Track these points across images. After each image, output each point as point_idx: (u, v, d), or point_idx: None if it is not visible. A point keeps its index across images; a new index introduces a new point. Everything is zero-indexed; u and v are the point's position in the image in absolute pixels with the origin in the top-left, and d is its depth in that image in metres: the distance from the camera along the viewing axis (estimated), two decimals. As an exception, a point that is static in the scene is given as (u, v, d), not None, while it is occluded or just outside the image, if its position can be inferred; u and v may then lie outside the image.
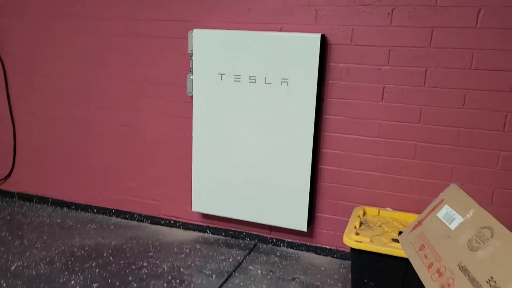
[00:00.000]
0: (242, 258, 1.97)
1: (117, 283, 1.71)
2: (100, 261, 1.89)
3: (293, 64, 1.84)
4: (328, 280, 1.82)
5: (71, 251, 1.97)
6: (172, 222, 2.29)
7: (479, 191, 1.76)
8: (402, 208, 1.87)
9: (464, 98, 1.72)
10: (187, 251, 2.03)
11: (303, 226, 1.96)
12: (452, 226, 1.16)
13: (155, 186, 2.28)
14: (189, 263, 1.91)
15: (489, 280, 0.94)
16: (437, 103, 1.76)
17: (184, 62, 2.09)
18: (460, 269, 1.03)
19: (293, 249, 2.09)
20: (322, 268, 1.92)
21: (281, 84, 1.88)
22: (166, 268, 1.85)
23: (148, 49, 2.14)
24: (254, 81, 1.91)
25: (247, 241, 2.15)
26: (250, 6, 1.94)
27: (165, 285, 1.72)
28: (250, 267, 1.90)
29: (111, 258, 1.91)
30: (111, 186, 2.36)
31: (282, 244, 2.10)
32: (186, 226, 2.26)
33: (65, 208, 2.48)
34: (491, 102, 1.69)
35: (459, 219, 1.15)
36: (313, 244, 2.05)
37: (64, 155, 2.42)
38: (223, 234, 2.20)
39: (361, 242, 1.56)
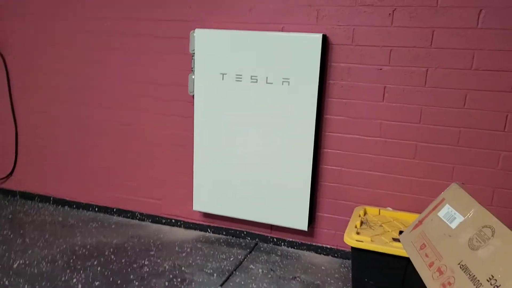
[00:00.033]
0: (243, 257, 1.98)
1: (118, 282, 1.72)
2: (102, 259, 1.89)
3: (295, 64, 1.84)
4: (329, 279, 1.83)
5: (72, 250, 1.97)
6: (173, 221, 2.29)
7: (480, 191, 1.76)
8: (403, 208, 1.88)
9: (465, 98, 1.73)
10: (188, 250, 2.03)
11: (303, 226, 1.96)
12: (453, 225, 1.16)
13: (156, 185, 2.28)
14: (190, 262, 1.92)
15: (489, 278, 0.95)
16: (437, 103, 1.76)
17: (185, 62, 2.09)
18: (461, 268, 1.04)
19: (294, 248, 2.09)
20: (322, 267, 1.93)
21: (282, 84, 1.89)
22: (167, 267, 1.85)
23: (150, 49, 2.14)
24: (255, 80, 1.92)
25: (248, 240, 2.16)
26: (251, 6, 1.94)
27: (167, 283, 1.72)
28: (251, 266, 1.91)
29: (112, 257, 1.92)
30: (112, 185, 2.37)
31: (282, 243, 2.11)
32: (187, 225, 2.27)
33: (66, 207, 2.49)
34: (492, 102, 1.69)
35: (460, 218, 1.16)
36: (314, 244, 2.06)
37: (65, 154, 2.43)
38: (224, 233, 2.21)
39: (361, 241, 1.57)
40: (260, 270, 1.87)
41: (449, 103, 1.75)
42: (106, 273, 1.78)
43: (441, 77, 1.74)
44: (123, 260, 1.89)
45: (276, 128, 1.93)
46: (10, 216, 2.33)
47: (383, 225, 1.74)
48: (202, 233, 2.23)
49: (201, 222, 2.24)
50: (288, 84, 1.87)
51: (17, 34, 2.38)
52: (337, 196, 1.98)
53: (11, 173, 2.57)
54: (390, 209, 1.89)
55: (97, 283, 1.70)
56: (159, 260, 1.91)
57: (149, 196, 2.31)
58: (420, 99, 1.78)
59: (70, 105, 2.36)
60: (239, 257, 1.98)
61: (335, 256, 2.03)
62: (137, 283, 1.72)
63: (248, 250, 2.05)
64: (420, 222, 1.33)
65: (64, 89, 2.36)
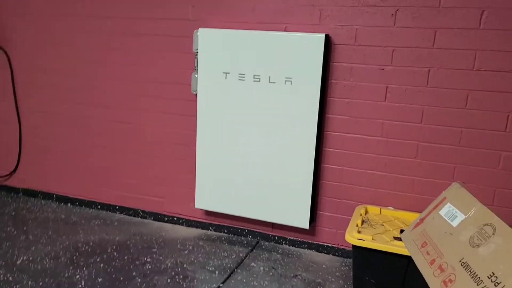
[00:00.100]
0: (244, 255, 1.99)
1: (121, 278, 1.73)
2: (105, 256, 1.91)
3: (297, 64, 1.86)
4: (330, 277, 1.84)
5: (75, 247, 1.99)
6: (175, 219, 2.31)
7: (481, 190, 1.77)
8: (404, 207, 1.89)
9: (467, 98, 1.74)
10: (190, 247, 2.05)
11: (305, 224, 1.97)
12: (454, 224, 1.18)
13: (159, 183, 2.30)
14: (192, 259, 1.93)
15: (490, 275, 0.96)
16: (439, 103, 1.77)
17: (188, 61, 2.11)
18: (462, 265, 1.05)
19: (295, 246, 2.11)
20: (323, 265, 1.94)
21: (285, 83, 1.90)
22: (169, 264, 1.87)
23: (153, 48, 2.16)
24: (258, 80, 1.93)
25: (249, 239, 2.17)
26: (254, 6, 1.96)
27: (169, 280, 1.74)
28: (253, 264, 1.92)
29: (115, 254, 1.93)
30: (115, 183, 2.38)
31: (284, 242, 2.12)
32: (189, 223, 2.28)
33: (69, 204, 2.50)
34: (493, 102, 1.70)
35: (461, 217, 1.17)
36: (315, 242, 2.07)
37: (68, 152, 2.45)
38: (225, 231, 2.22)
39: (363, 240, 1.58)
40: (261, 268, 1.88)
41: (451, 103, 1.76)
42: (108, 270, 1.79)
43: (443, 78, 1.75)
44: (125, 257, 1.90)
45: (279, 127, 1.94)
46: (13, 213, 2.35)
47: (384, 224, 1.75)
48: (204, 231, 2.24)
49: (203, 220, 2.26)
50: (291, 84, 1.89)
51: (20, 33, 2.40)
52: (338, 195, 1.99)
53: (14, 171, 2.59)
54: (391, 208, 1.90)
55: (100, 280, 1.71)
56: (161, 258, 1.92)
57: (151, 194, 2.33)
58: (422, 99, 1.79)
59: (73, 104, 2.38)
60: (241, 255, 2.00)
61: (336, 255, 2.04)
62: (139, 280, 1.73)
63: (249, 248, 2.06)
64: (422, 220, 1.34)
65: (67, 88, 2.37)
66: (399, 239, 1.55)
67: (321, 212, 2.03)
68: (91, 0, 2.22)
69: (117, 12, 2.18)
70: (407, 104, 1.82)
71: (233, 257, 1.97)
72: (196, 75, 2.06)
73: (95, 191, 2.44)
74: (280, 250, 2.07)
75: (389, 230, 1.68)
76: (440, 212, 1.27)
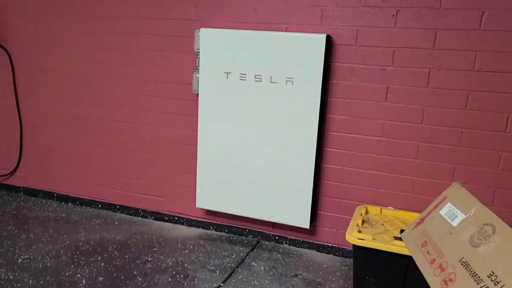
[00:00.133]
0: (245, 255, 2.00)
1: (122, 277, 1.74)
2: (105, 255, 1.91)
3: (298, 64, 1.86)
4: (330, 277, 1.85)
5: (76, 245, 1.99)
6: (175, 218, 2.31)
7: (481, 191, 1.78)
8: (404, 207, 1.90)
9: (467, 99, 1.74)
10: (191, 247, 2.05)
11: (305, 224, 1.98)
12: (454, 223, 1.18)
13: (160, 183, 2.30)
14: (193, 258, 1.93)
15: (490, 275, 0.96)
16: (440, 104, 1.78)
17: (190, 61, 2.11)
18: (462, 264, 1.06)
19: (296, 246, 2.11)
20: (324, 265, 1.95)
21: (286, 83, 1.90)
22: (170, 263, 1.87)
23: (154, 48, 2.16)
24: (259, 80, 1.94)
25: (250, 238, 2.18)
26: (255, 6, 1.96)
27: (170, 279, 1.74)
28: (253, 263, 1.93)
29: (116, 253, 1.94)
30: (115, 182, 2.39)
31: (284, 241, 2.13)
32: (190, 223, 2.29)
33: (70, 203, 2.51)
34: (493, 103, 1.71)
35: (461, 216, 1.18)
36: (315, 242, 2.07)
37: (69, 152, 2.45)
38: (226, 230, 2.23)
39: (363, 239, 1.58)
40: (262, 268, 1.89)
41: (451, 103, 1.77)
42: (109, 269, 1.80)
43: (444, 78, 1.76)
44: (126, 256, 1.91)
45: (279, 127, 1.95)
46: (14, 212, 2.35)
47: (384, 224, 1.76)
48: (204, 230, 2.25)
49: (203, 220, 2.26)
50: (292, 84, 1.89)
51: (21, 32, 2.40)
52: (339, 195, 1.99)
53: (15, 170, 2.59)
54: (392, 208, 1.90)
55: (100, 279, 1.72)
56: (162, 257, 1.93)
57: (152, 193, 2.33)
58: (422, 100, 1.80)
59: (74, 103, 2.38)
60: (241, 254, 2.00)
61: (336, 255, 2.04)
62: (140, 279, 1.73)
63: (250, 248, 2.07)
64: (422, 220, 1.34)
65: (68, 88, 2.38)
66: (400, 239, 1.56)
67: (322, 212, 2.04)
68: (92, 0, 2.22)
69: (118, 12, 2.19)
70: (408, 105, 1.82)
71: (233, 256, 1.98)
72: (198, 75, 2.06)
73: (96, 190, 2.44)
74: (281, 249, 2.08)
75: (390, 230, 1.69)
76: (440, 212, 1.27)
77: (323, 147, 1.98)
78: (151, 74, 2.20)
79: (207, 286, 1.71)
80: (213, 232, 2.24)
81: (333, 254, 2.05)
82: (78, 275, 1.73)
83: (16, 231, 2.11)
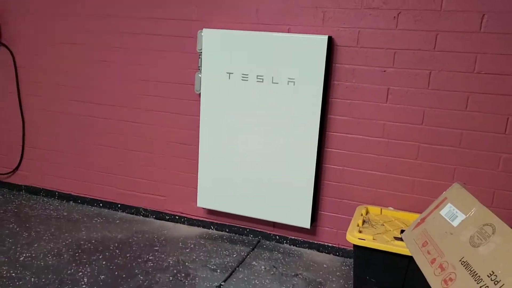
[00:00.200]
0: (246, 254, 2.01)
1: (123, 276, 1.74)
2: (107, 254, 1.92)
3: (300, 65, 1.87)
4: (330, 277, 1.86)
5: (78, 244, 2.00)
6: (177, 217, 2.32)
7: (480, 192, 1.79)
8: (404, 208, 1.91)
9: (467, 101, 1.76)
10: (192, 246, 2.06)
11: (306, 224, 1.99)
12: (455, 223, 1.19)
13: (161, 182, 2.31)
14: (194, 257, 1.94)
15: (490, 274, 0.98)
16: (440, 105, 1.79)
17: (192, 61, 2.12)
18: (462, 264, 1.07)
19: (296, 246, 2.12)
20: (324, 265, 1.96)
21: (287, 84, 1.92)
22: (171, 262, 1.88)
23: (156, 48, 2.17)
24: (261, 80, 1.95)
25: (250, 238, 2.19)
26: (258, 7, 1.98)
27: (171, 278, 1.75)
28: (254, 262, 1.94)
29: (117, 251, 1.95)
30: (117, 181, 2.40)
31: (285, 241, 2.14)
32: (191, 222, 2.30)
33: (71, 202, 2.52)
34: (493, 105, 1.73)
35: (461, 217, 1.19)
36: (316, 242, 2.09)
37: (71, 150, 2.46)
38: (227, 230, 2.24)
39: (364, 239, 1.59)
40: (262, 267, 1.90)
41: (452, 105, 1.78)
42: (111, 267, 1.80)
43: (444, 80, 1.77)
44: (127, 255, 1.92)
45: (281, 127, 1.96)
46: (16, 210, 2.36)
47: (384, 224, 1.77)
48: (205, 230, 2.26)
49: (204, 219, 2.27)
50: (294, 84, 1.90)
51: (24, 32, 2.41)
52: (339, 195, 2.01)
53: (17, 168, 2.60)
54: (392, 208, 1.91)
55: (102, 277, 1.73)
56: (163, 256, 1.94)
57: (153, 192, 2.34)
58: (423, 101, 1.81)
59: (76, 102, 2.39)
60: (242, 253, 2.01)
61: (336, 255, 2.06)
62: (141, 277, 1.74)
63: (251, 247, 2.08)
64: (423, 220, 1.36)
65: (70, 87, 2.39)
66: (400, 239, 1.57)
67: (322, 212, 2.05)
68: (93, 0, 2.23)
69: (119, 12, 2.20)
70: (408, 106, 1.84)
71: (234, 255, 1.99)
72: (200, 75, 2.08)
73: (97, 189, 2.45)
74: (281, 249, 2.09)
75: (390, 230, 1.70)
76: (440, 212, 1.29)
77: (324, 147, 1.99)
78: (153, 74, 2.21)
79: (208, 285, 1.72)
80: (214, 231, 2.25)
81: (333, 254, 2.06)
82: (80, 273, 1.74)
83: (18, 229, 2.12)
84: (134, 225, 2.27)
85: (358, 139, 1.93)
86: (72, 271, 1.76)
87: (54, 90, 2.42)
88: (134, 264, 1.85)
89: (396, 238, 1.61)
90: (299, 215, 1.99)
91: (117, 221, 2.30)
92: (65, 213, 2.36)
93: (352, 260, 2.00)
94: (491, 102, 1.73)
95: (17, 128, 2.54)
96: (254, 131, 2.01)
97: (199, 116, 2.15)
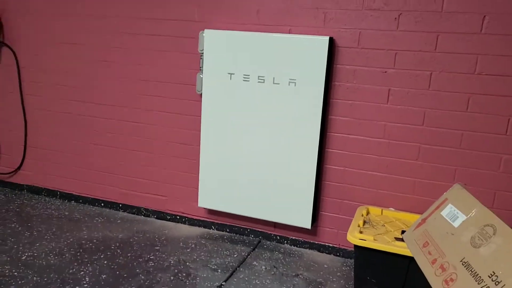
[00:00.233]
0: (246, 254, 2.01)
1: (125, 275, 1.75)
2: (108, 253, 1.93)
3: (301, 66, 1.88)
4: (331, 277, 1.86)
5: (79, 243, 2.01)
6: (177, 217, 2.33)
7: (481, 193, 1.80)
8: (405, 209, 1.91)
9: (468, 102, 1.76)
10: (193, 246, 2.07)
11: (307, 224, 2.00)
12: (456, 224, 1.20)
13: (162, 182, 2.32)
14: (195, 257, 1.95)
15: (491, 275, 0.98)
16: (441, 106, 1.80)
17: (193, 61, 2.13)
18: (463, 264, 1.07)
19: (297, 246, 2.13)
20: (325, 265, 1.96)
21: (289, 85, 1.92)
22: (172, 262, 1.89)
23: (158, 49, 2.18)
24: (262, 81, 1.96)
25: (251, 238, 2.19)
26: (259, 8, 1.98)
27: (172, 278, 1.76)
28: (255, 262, 1.94)
29: (118, 251, 1.95)
30: (118, 181, 2.40)
31: (285, 241, 2.14)
32: (192, 222, 2.30)
33: (73, 202, 2.52)
34: (494, 106, 1.73)
35: (462, 218, 1.19)
36: (317, 242, 2.09)
37: (73, 150, 2.47)
38: (227, 230, 2.24)
39: (364, 240, 1.60)
40: (263, 267, 1.90)
41: (453, 106, 1.78)
42: (112, 267, 1.81)
43: (445, 81, 1.78)
44: (129, 255, 1.92)
45: (282, 128, 1.96)
46: (17, 210, 2.37)
47: (385, 224, 1.77)
48: (206, 229, 2.27)
49: (205, 219, 2.28)
50: (295, 85, 1.91)
51: (26, 32, 2.42)
52: (340, 196, 2.01)
53: (19, 168, 2.61)
54: (393, 209, 1.92)
55: (103, 276, 1.73)
56: (164, 255, 1.94)
57: (154, 192, 2.35)
58: (424, 102, 1.82)
59: (78, 102, 2.40)
60: (243, 253, 2.02)
61: (337, 255, 2.06)
62: (143, 277, 1.75)
63: (251, 247, 2.09)
64: (423, 221, 1.36)
65: (71, 87, 2.39)
66: (400, 239, 1.58)
67: (323, 212, 2.06)
68: (94, 1, 2.24)
69: (121, 12, 2.21)
70: (409, 107, 1.84)
71: (235, 255, 1.99)
72: (201, 76, 2.08)
73: (99, 189, 2.46)
74: (282, 249, 2.09)
75: (390, 231, 1.70)
76: (441, 213, 1.29)
77: (325, 148, 1.99)
78: (155, 75, 2.22)
79: (209, 285, 1.73)
80: (215, 231, 2.25)
81: (334, 255, 2.07)
82: (82, 273, 1.75)
83: (20, 229, 2.13)
84: (135, 224, 2.27)
85: (359, 139, 1.93)
86: (74, 270, 1.77)
87: (54, 90, 2.43)
88: (135, 263, 1.85)
89: (397, 239, 1.61)
90: (300, 216, 2.00)
91: (118, 221, 2.30)
92: (66, 213, 2.37)
93: (352, 260, 2.00)
94: (492, 103, 1.73)
95: (19, 128, 2.55)
96: (255, 131, 2.01)
97: (200, 116, 2.15)
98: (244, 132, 2.03)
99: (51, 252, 1.90)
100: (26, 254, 1.87)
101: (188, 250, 2.02)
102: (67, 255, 1.89)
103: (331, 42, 1.87)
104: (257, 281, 1.78)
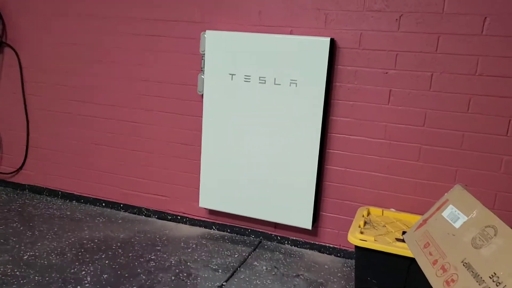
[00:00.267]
0: (247, 254, 2.02)
1: (126, 275, 1.75)
2: (109, 253, 1.93)
3: (302, 66, 1.88)
4: (332, 277, 1.86)
5: (81, 243, 2.01)
6: (178, 217, 2.33)
7: (482, 194, 1.80)
8: (406, 209, 1.92)
9: (469, 103, 1.77)
10: (194, 246, 2.07)
11: (308, 224, 2.00)
12: (457, 225, 1.20)
13: (163, 182, 2.32)
14: (196, 257, 1.95)
15: (492, 276, 0.98)
16: (442, 107, 1.80)
17: (195, 62, 2.14)
18: (464, 265, 1.07)
19: (297, 247, 2.13)
20: (325, 266, 1.97)
21: (290, 85, 1.93)
22: (173, 262, 1.89)
23: (160, 49, 2.19)
24: (263, 81, 1.96)
25: (252, 238, 2.20)
26: (260, 9, 1.99)
27: (173, 278, 1.76)
28: (255, 263, 1.94)
29: (120, 251, 1.96)
30: (119, 181, 2.41)
31: (286, 242, 2.15)
32: (193, 222, 2.31)
33: (74, 202, 2.53)
34: (495, 107, 1.73)
35: (463, 218, 1.20)
36: (317, 243, 2.09)
37: (75, 150, 2.47)
38: (228, 230, 2.25)
39: (365, 240, 1.60)
40: (264, 267, 1.91)
41: (453, 107, 1.79)
42: (113, 266, 1.81)
43: (446, 82, 1.78)
44: (130, 255, 1.93)
45: (283, 128, 1.97)
46: (19, 209, 2.37)
47: (386, 225, 1.77)
48: (207, 230, 2.27)
49: (206, 219, 2.28)
50: (296, 86, 1.91)
51: (28, 32, 2.43)
52: (341, 196, 2.01)
53: (21, 168, 2.61)
54: (393, 210, 1.92)
55: (105, 276, 1.74)
56: (165, 255, 1.95)
57: (155, 192, 2.35)
58: (424, 103, 1.82)
59: (79, 102, 2.40)
60: (244, 254, 2.02)
61: (338, 256, 2.06)
62: (144, 276, 1.75)
63: (252, 248, 2.09)
64: (424, 221, 1.36)
65: (72, 87, 2.40)
66: (401, 240, 1.58)
67: (324, 213, 2.06)
68: (95, 1, 2.25)
69: (121, 12, 2.21)
70: (410, 108, 1.84)
71: (236, 256, 2.00)
72: (203, 76, 2.09)
73: (100, 189, 2.46)
74: (283, 250, 2.10)
75: (391, 232, 1.71)
76: (442, 214, 1.29)
77: (326, 149, 2.00)
78: (157, 75, 2.23)
79: (209, 285, 1.73)
80: (216, 231, 2.26)
81: (334, 255, 2.07)
82: (83, 272, 1.75)
83: (21, 228, 2.13)
84: (137, 224, 2.28)
85: (360, 140, 1.94)
86: (75, 270, 1.77)
87: (55, 90, 2.44)
88: (136, 263, 1.86)
89: (398, 240, 1.62)
90: (301, 216, 2.00)
91: (120, 221, 2.31)
92: (68, 213, 2.37)
93: (353, 261, 2.00)
94: (493, 104, 1.73)
95: (21, 128, 2.56)
96: (256, 132, 2.01)
97: (201, 116, 2.16)
98: (245, 132, 2.03)
99: (52, 252, 1.91)
100: (28, 254, 1.88)
101: (189, 250, 2.02)
102: (68, 254, 1.90)
103: (332, 43, 1.87)
104: (257, 281, 1.79)
